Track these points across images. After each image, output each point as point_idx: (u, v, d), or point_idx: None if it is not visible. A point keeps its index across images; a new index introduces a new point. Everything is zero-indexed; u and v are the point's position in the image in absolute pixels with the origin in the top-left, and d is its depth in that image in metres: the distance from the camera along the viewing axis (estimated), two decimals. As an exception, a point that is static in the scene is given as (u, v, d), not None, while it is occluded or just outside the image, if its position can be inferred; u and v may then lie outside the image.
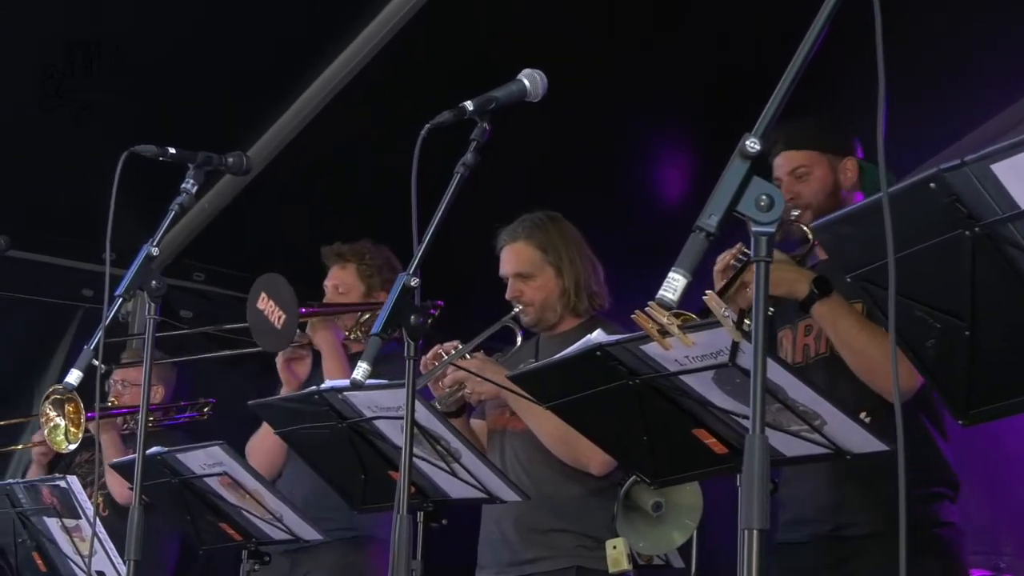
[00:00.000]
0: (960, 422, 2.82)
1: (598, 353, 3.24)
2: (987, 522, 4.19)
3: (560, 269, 4.80)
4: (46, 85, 5.95)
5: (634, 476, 4.06)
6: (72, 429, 6.06)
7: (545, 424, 4.51)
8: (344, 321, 5.57)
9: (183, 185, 4.20)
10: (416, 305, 3.31)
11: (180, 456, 4.62)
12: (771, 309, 4.09)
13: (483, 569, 4.81)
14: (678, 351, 3.06)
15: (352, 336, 5.57)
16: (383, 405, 3.93)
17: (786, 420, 3.13)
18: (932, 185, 2.41)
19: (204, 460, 4.58)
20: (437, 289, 5.16)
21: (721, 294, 3.86)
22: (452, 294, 5.28)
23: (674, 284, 2.22)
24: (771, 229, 2.27)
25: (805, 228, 4.11)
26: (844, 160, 4.25)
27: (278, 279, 5.29)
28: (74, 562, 5.39)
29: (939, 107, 6.02)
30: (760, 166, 2.27)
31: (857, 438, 3.14)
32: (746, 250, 3.83)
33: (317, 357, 5.50)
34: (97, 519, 5.08)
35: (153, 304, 4.06)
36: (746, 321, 2.92)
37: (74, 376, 4.07)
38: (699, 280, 2.28)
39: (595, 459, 4.52)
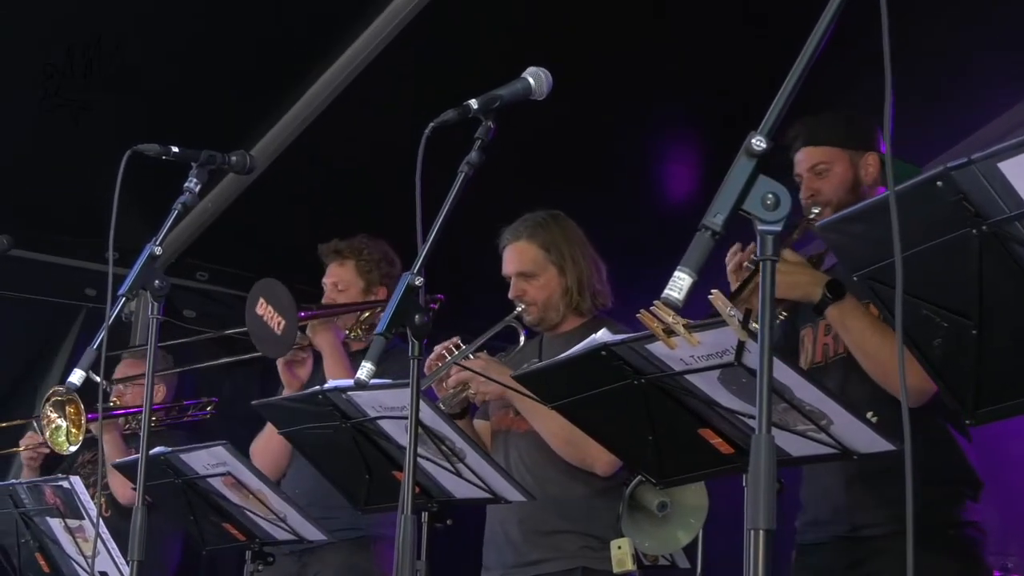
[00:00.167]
0: (967, 422, 2.81)
1: (603, 352, 3.23)
2: (995, 522, 4.18)
3: (563, 268, 4.79)
4: (46, 85, 5.95)
5: (639, 476, 4.05)
6: (73, 430, 6.06)
7: (550, 425, 4.49)
8: (344, 320, 5.56)
9: (186, 184, 4.18)
10: (421, 304, 3.29)
11: (183, 456, 4.61)
12: (784, 314, 4.08)
13: (488, 571, 4.80)
14: (684, 350, 3.05)
15: (352, 335, 5.56)
16: (387, 405, 3.92)
17: (792, 420, 3.11)
18: (939, 183, 2.40)
19: (208, 460, 4.57)
20: (439, 288, 5.18)
21: (736, 294, 3.85)
22: (454, 293, 5.28)
23: (680, 283, 2.20)
24: (777, 228, 2.26)
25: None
26: (865, 155, 4.18)
27: (276, 284, 5.29)
28: (77, 563, 5.38)
29: (946, 105, 6.00)
30: (766, 164, 2.25)
31: (864, 438, 3.13)
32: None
33: (319, 357, 5.49)
34: (100, 519, 5.06)
35: (156, 304, 4.05)
36: (752, 322, 2.91)
37: (77, 376, 4.05)
38: (704, 280, 2.26)
39: (600, 459, 4.50)
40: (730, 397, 3.14)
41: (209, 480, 4.63)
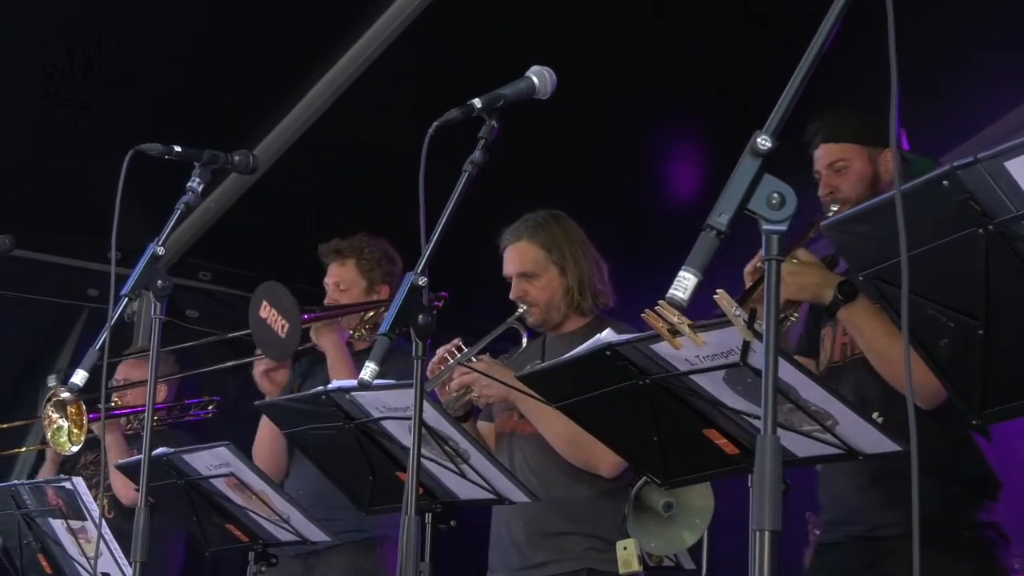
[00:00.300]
0: (973, 422, 2.80)
1: (608, 352, 3.21)
2: (1005, 523, 4.18)
3: (564, 268, 4.78)
4: (46, 85, 5.94)
5: (644, 477, 4.04)
6: (75, 430, 6.05)
7: (554, 426, 4.49)
8: (348, 320, 5.55)
9: (189, 184, 4.18)
10: (424, 304, 3.28)
11: (186, 457, 4.60)
12: (795, 315, 4.07)
13: (493, 573, 4.79)
14: (689, 350, 3.04)
15: (357, 335, 5.55)
16: (391, 405, 3.91)
17: (798, 420, 3.10)
18: (945, 183, 2.39)
19: (210, 461, 4.56)
20: (441, 288, 5.17)
21: (747, 295, 3.84)
22: (456, 293, 5.27)
23: (684, 283, 2.19)
24: (783, 228, 2.25)
25: None
26: (884, 151, 4.14)
27: (278, 287, 5.29)
28: (79, 564, 5.38)
29: (952, 104, 5.99)
30: (772, 163, 2.24)
31: (870, 439, 3.11)
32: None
33: (321, 357, 5.48)
34: (102, 520, 5.06)
35: (159, 304, 4.04)
36: (758, 322, 2.90)
37: (79, 376, 4.04)
38: (710, 280, 2.25)
39: (605, 461, 4.49)
40: (735, 397, 3.13)
41: (212, 481, 4.62)
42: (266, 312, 5.24)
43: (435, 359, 4.68)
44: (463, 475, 4.01)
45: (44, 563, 5.55)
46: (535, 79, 3.51)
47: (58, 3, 5.72)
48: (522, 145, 5.26)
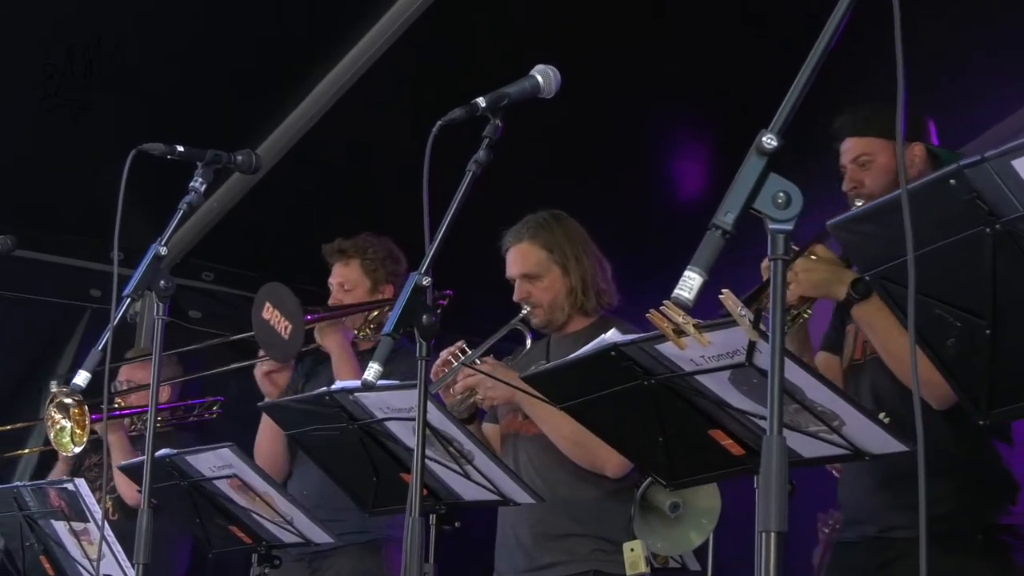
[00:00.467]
0: (980, 422, 2.79)
1: (613, 353, 3.21)
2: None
3: (566, 268, 4.77)
4: (46, 85, 5.93)
5: (650, 477, 4.03)
6: (77, 431, 6.04)
7: (559, 427, 4.48)
8: (352, 320, 5.54)
9: (192, 184, 4.16)
10: (428, 304, 3.27)
11: (189, 458, 4.59)
12: (808, 312, 4.05)
13: (499, 574, 4.79)
14: (694, 351, 3.03)
15: (361, 334, 5.54)
16: (394, 406, 3.90)
17: (804, 421, 3.09)
18: (952, 182, 2.39)
19: (213, 462, 4.55)
20: (445, 288, 5.16)
21: (757, 293, 3.82)
22: (460, 293, 5.26)
23: (690, 283, 2.18)
24: (788, 227, 2.23)
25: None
26: (911, 146, 4.13)
27: (281, 288, 5.28)
28: (82, 566, 5.37)
29: (959, 102, 5.97)
30: (777, 162, 2.23)
31: (877, 439, 3.10)
32: (794, 247, 3.76)
33: (324, 357, 5.47)
34: (105, 522, 5.05)
35: (161, 304, 4.03)
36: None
37: (82, 377, 4.03)
38: (715, 279, 2.24)
39: (611, 461, 4.48)
40: (741, 398, 3.12)
41: (215, 482, 4.61)
42: (269, 313, 5.23)
43: (439, 362, 4.67)
44: (467, 476, 4.00)
45: (46, 565, 5.53)
46: (539, 78, 3.49)
47: (58, 3, 5.72)
48: (521, 145, 5.25)
